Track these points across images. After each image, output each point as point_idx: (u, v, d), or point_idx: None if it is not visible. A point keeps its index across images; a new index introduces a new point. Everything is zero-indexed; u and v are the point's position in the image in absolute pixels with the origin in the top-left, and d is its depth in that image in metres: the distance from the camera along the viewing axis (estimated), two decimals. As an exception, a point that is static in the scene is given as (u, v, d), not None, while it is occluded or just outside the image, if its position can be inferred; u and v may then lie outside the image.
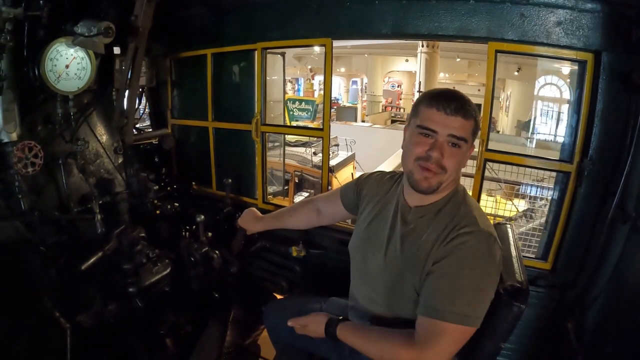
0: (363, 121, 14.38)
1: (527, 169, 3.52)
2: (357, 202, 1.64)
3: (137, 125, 3.16)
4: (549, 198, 2.88)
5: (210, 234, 2.44)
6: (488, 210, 4.09)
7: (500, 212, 4.23)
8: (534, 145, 8.07)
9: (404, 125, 1.43)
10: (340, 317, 1.42)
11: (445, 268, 1.19)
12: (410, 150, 1.28)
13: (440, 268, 1.20)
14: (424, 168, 1.25)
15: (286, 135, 5.95)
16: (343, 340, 1.35)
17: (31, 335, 1.82)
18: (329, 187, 2.56)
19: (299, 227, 2.01)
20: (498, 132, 13.30)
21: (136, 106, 2.78)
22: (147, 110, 3.26)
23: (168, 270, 2.24)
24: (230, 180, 2.73)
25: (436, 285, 1.20)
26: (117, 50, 2.45)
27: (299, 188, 6.73)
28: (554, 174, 2.25)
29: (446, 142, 1.22)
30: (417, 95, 11.28)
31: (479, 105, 2.12)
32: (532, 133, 9.19)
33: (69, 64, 2.11)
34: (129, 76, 2.44)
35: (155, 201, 2.71)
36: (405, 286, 1.29)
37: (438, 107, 1.22)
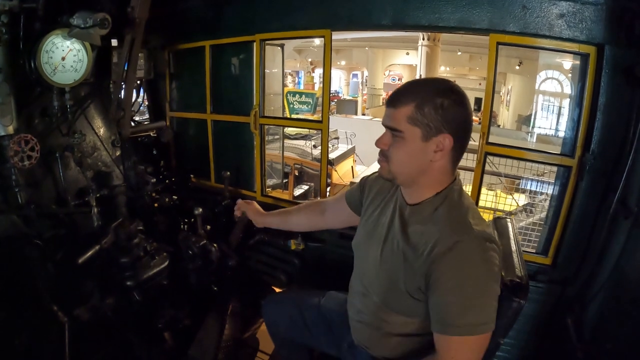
0: (363, 114, 14.32)
1: (527, 163, 3.52)
2: (361, 201, 1.63)
3: (135, 118, 3.14)
4: (550, 193, 2.87)
5: (208, 227, 2.43)
6: (488, 205, 4.09)
7: (501, 206, 4.23)
8: (534, 140, 8.06)
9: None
10: None
11: (447, 282, 1.16)
12: None
13: (442, 283, 1.17)
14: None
15: (286, 128, 5.93)
16: None
17: (29, 329, 1.82)
18: (328, 180, 2.55)
19: (301, 228, 2.02)
20: (499, 126, 13.28)
21: (134, 99, 2.76)
22: (145, 102, 3.24)
23: (166, 263, 2.23)
24: (228, 173, 2.72)
25: (444, 301, 1.17)
26: (114, 42, 2.43)
27: (298, 181, 6.72)
28: (554, 168, 2.23)
29: (388, 133, 1.27)
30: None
31: (479, 99, 2.12)
32: (533, 127, 9.16)
33: (65, 56, 2.09)
34: (125, 68, 2.42)
35: (153, 194, 2.69)
36: (399, 283, 1.28)
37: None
